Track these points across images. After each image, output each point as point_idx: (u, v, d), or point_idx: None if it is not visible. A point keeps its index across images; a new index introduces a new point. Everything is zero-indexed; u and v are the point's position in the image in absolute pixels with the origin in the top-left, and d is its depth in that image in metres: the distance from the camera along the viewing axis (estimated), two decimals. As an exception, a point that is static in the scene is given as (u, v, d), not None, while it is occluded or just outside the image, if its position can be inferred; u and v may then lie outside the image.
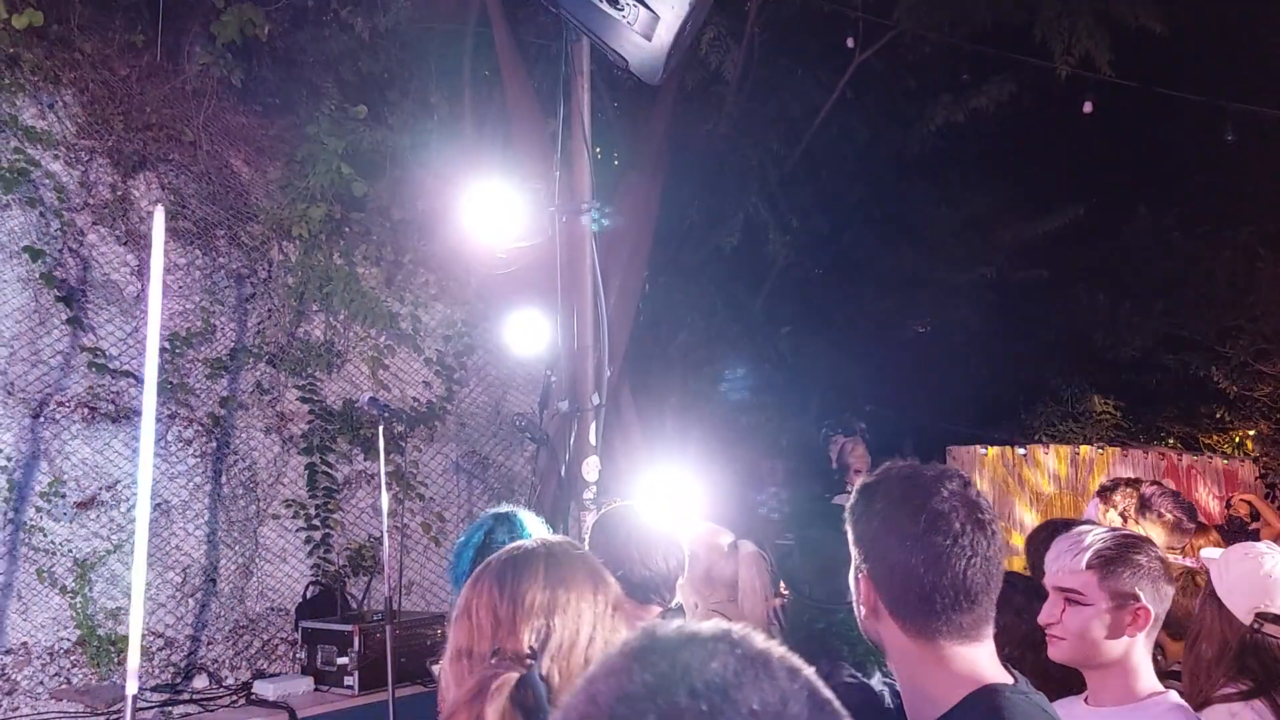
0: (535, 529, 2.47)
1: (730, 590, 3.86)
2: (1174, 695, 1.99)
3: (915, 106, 8.48)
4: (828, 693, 0.72)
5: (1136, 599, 1.98)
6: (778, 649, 0.72)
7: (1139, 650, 1.99)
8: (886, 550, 1.48)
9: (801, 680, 0.71)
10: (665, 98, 6.65)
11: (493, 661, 1.29)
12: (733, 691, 0.67)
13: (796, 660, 0.73)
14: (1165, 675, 2.19)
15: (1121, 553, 2.02)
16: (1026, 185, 10.28)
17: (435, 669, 2.63)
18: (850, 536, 1.55)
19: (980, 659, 1.45)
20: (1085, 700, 2.06)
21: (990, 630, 1.48)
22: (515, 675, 1.25)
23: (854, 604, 1.57)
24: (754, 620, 3.74)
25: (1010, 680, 1.47)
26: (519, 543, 1.46)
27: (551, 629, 1.32)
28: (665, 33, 3.12)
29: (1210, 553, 2.48)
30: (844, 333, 9.83)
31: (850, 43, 7.34)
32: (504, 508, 2.60)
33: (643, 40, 3.12)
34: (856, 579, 1.54)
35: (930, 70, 8.28)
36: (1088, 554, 2.03)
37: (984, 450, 10.47)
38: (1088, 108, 7.58)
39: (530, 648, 1.30)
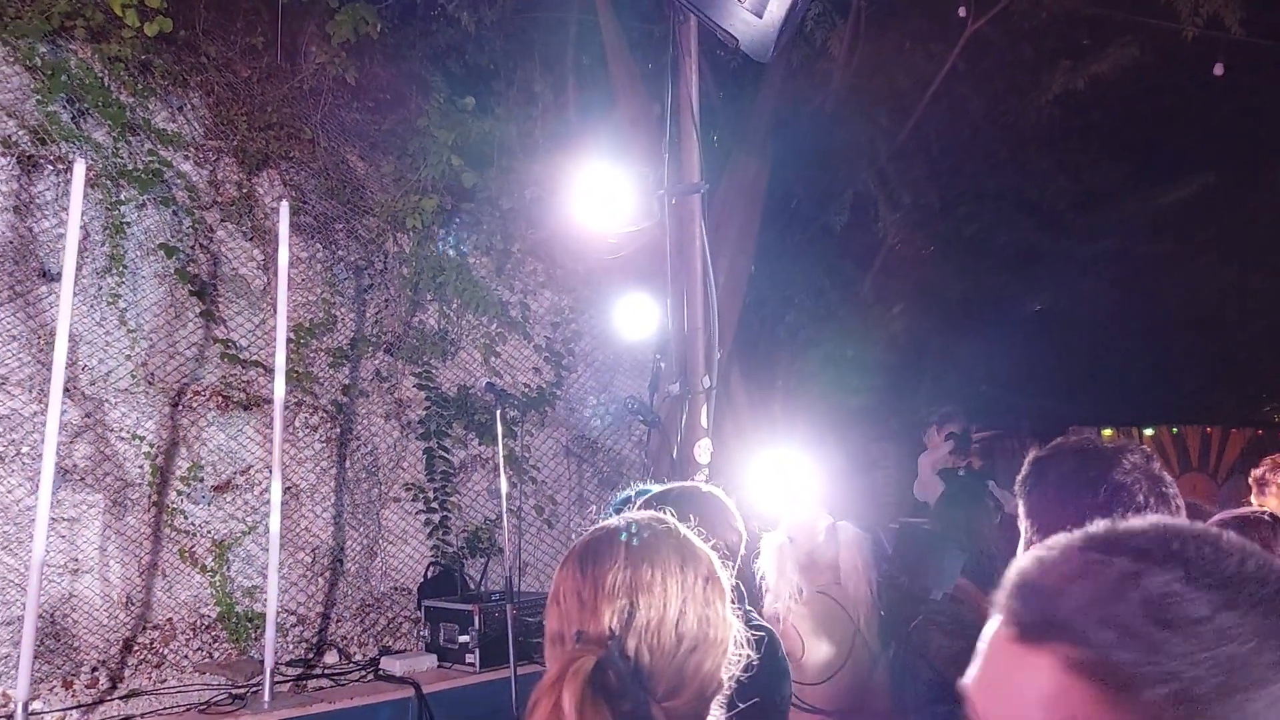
0: None
1: (834, 572, 3.83)
2: None
3: (1031, 75, 8.13)
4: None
5: None
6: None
7: None
8: (1063, 523, 1.43)
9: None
10: (772, 77, 6.56)
11: (576, 646, 1.29)
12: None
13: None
14: None
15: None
16: (1151, 154, 9.78)
17: None
18: (1021, 509, 1.50)
19: None
20: None
21: None
22: (592, 659, 1.23)
23: None
24: (858, 599, 3.72)
25: None
26: (602, 523, 1.44)
27: (636, 607, 1.29)
28: (777, 8, 3.06)
29: None
30: (957, 311, 9.55)
31: (962, 11, 7.09)
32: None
33: (753, 17, 3.08)
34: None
35: (1047, 37, 7.91)
36: None
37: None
38: (1218, 70, 7.16)
39: (610, 629, 1.28)
